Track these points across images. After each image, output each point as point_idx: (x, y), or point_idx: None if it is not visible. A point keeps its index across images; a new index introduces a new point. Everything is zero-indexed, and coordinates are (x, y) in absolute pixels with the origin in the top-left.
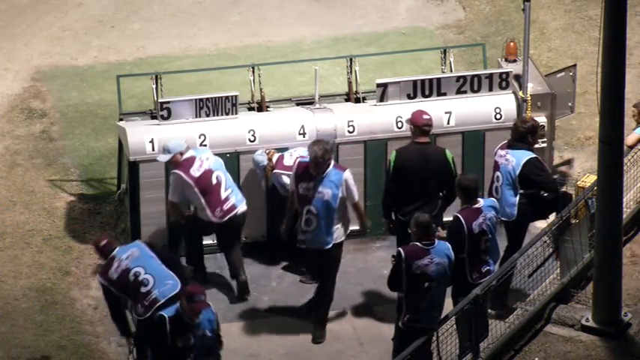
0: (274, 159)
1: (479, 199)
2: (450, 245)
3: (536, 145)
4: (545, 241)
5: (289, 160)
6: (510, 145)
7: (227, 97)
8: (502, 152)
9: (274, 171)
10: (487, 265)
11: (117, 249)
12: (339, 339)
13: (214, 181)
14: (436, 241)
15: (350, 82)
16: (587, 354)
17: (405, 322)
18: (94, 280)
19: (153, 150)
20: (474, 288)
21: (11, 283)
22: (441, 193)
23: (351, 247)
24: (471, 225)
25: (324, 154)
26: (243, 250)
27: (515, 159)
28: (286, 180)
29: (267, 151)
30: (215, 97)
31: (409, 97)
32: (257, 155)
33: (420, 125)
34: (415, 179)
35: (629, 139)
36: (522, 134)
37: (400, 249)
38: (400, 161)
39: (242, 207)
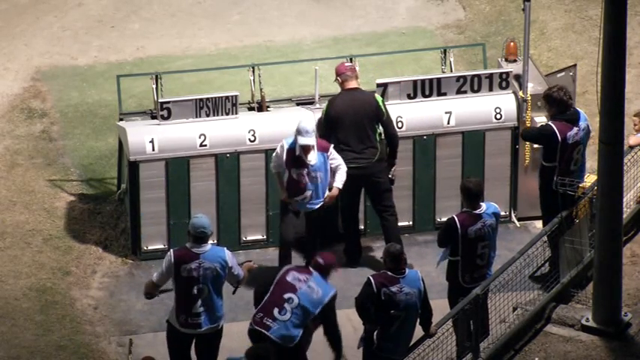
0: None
1: (482, 203)
2: (421, 275)
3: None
4: (545, 241)
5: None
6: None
7: (227, 97)
8: (575, 130)
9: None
10: (482, 271)
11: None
12: None
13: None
14: (407, 270)
15: None
16: (587, 354)
17: (374, 350)
18: (94, 279)
19: (153, 150)
20: (467, 292)
21: (11, 283)
22: (378, 138)
23: None
24: (467, 229)
25: None
26: (244, 250)
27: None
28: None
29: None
30: (215, 97)
31: (409, 97)
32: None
33: (344, 72)
34: (348, 124)
35: (633, 139)
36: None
37: (370, 277)
38: (332, 109)
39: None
